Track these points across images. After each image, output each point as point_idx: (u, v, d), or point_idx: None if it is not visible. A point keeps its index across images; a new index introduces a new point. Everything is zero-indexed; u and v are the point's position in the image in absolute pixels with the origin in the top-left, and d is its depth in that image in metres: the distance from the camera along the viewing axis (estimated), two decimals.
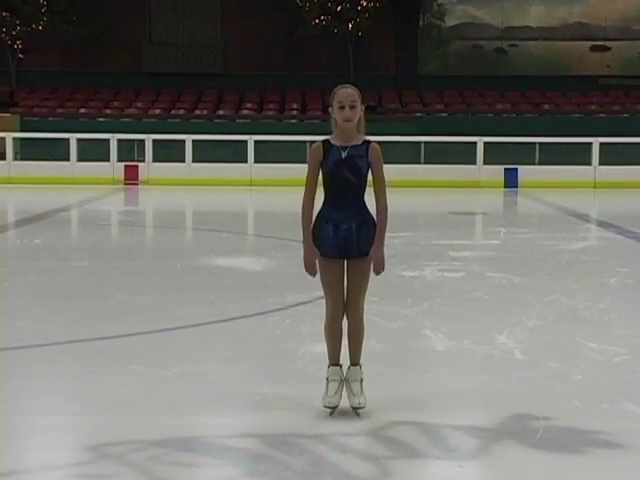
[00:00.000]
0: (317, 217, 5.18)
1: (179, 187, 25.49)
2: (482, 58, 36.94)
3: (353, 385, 5.19)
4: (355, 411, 5.09)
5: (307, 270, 5.16)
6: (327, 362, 5.27)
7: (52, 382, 6.08)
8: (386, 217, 5.16)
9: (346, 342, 5.25)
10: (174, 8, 35.62)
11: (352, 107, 5.06)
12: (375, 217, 5.16)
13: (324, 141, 5.16)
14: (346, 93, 5.09)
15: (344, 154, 5.09)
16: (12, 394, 5.68)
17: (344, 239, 5.09)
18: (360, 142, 5.16)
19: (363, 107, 5.15)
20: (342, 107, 5.05)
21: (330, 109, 5.15)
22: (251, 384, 5.94)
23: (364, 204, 5.18)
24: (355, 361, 5.28)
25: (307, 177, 5.22)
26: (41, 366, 6.47)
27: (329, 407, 5.11)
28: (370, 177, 5.19)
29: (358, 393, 5.15)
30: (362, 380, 5.22)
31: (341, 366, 5.25)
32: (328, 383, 5.18)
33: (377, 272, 5.17)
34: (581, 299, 8.92)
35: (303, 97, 34.36)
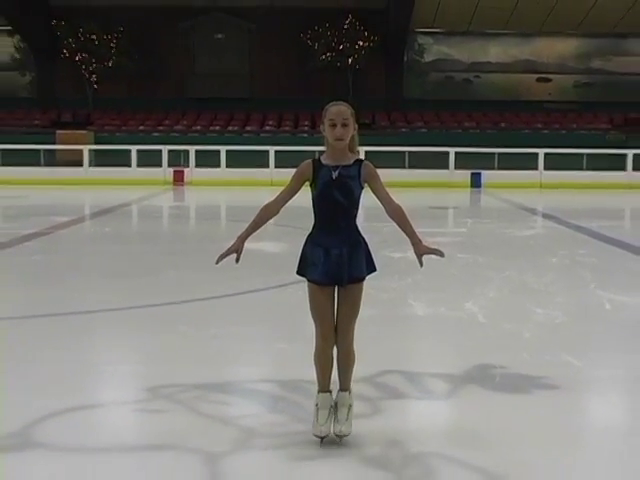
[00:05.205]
0: (307, 241, 3.93)
1: (216, 187, 25.55)
2: (453, 86, 36.83)
3: (340, 411, 3.92)
4: (338, 438, 3.85)
5: (221, 254, 3.82)
6: (317, 386, 4.00)
7: (116, 339, 6.10)
8: (405, 213, 3.87)
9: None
10: (212, 47, 35.57)
11: (344, 125, 3.77)
12: (395, 220, 3.90)
13: (314, 160, 3.88)
14: (338, 110, 3.79)
15: (335, 174, 3.80)
16: (85, 349, 5.70)
17: (336, 264, 3.80)
18: (352, 162, 3.84)
19: (356, 125, 3.85)
20: (334, 125, 3.76)
21: (321, 127, 3.85)
22: (271, 341, 5.96)
23: (355, 227, 3.88)
24: (344, 387, 4.00)
25: (284, 189, 3.94)
26: (107, 327, 6.49)
27: (319, 436, 3.84)
28: (366, 193, 3.95)
29: (342, 420, 3.88)
30: (351, 406, 3.97)
31: (331, 392, 3.99)
32: (318, 410, 3.90)
33: (441, 255, 3.91)
34: (529, 275, 8.91)
35: (313, 116, 34.20)
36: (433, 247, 3.89)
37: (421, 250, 3.88)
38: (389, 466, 3.58)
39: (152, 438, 3.92)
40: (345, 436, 3.85)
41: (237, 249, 3.88)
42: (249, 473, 3.53)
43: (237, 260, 3.88)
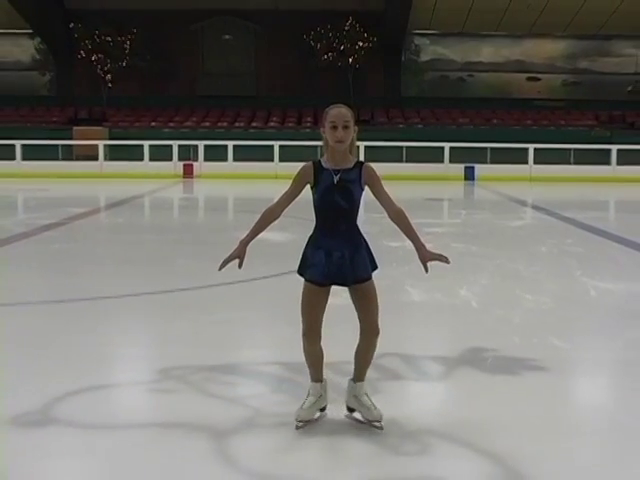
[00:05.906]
0: (308, 243, 3.78)
1: (223, 180, 25.53)
2: (448, 85, 36.75)
3: (364, 399, 3.79)
4: (374, 424, 3.73)
5: (224, 260, 3.78)
6: (310, 377, 3.89)
7: (130, 323, 6.10)
8: (407, 217, 3.76)
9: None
10: (220, 48, 35.51)
11: (345, 127, 3.58)
12: (397, 224, 3.79)
13: (315, 163, 3.71)
14: (339, 113, 3.60)
15: (336, 179, 3.63)
16: (101, 332, 5.69)
17: (337, 266, 3.65)
18: (352, 165, 3.66)
19: (356, 128, 3.66)
20: (334, 127, 3.58)
21: (321, 129, 3.66)
22: (275, 326, 5.95)
23: (356, 228, 3.73)
24: (362, 378, 3.86)
25: (285, 192, 3.74)
26: (122, 312, 6.49)
27: (298, 420, 3.72)
28: (365, 194, 3.77)
29: (372, 406, 3.75)
30: (366, 393, 3.85)
31: (323, 381, 3.88)
32: (308, 396, 3.83)
33: (447, 261, 3.73)
34: (520, 263, 8.90)
35: (315, 113, 34.14)
36: (437, 253, 3.74)
37: (426, 257, 3.74)
38: (387, 443, 3.58)
39: (163, 416, 3.92)
40: (381, 420, 3.72)
41: (239, 254, 3.75)
42: (255, 450, 3.53)
43: (240, 266, 3.76)
